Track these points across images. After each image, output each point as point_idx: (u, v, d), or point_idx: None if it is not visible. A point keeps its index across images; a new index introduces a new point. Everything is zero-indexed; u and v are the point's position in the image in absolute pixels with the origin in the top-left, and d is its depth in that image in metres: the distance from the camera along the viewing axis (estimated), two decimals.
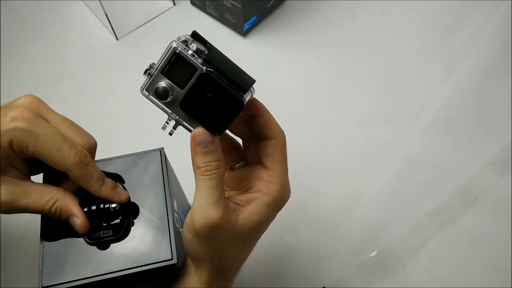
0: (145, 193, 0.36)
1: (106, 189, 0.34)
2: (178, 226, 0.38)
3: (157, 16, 0.68)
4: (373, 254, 0.49)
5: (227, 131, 0.33)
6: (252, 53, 0.64)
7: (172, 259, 0.33)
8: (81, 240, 0.34)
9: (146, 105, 0.60)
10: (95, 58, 0.64)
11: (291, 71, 0.63)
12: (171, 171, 0.40)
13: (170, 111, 0.30)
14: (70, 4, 0.69)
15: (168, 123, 0.31)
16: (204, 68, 0.28)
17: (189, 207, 0.51)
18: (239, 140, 0.37)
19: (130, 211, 0.35)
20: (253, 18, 0.64)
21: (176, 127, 0.31)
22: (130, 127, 0.59)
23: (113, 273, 0.33)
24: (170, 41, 0.29)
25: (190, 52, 0.28)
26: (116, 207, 0.34)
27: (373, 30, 0.66)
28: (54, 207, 0.33)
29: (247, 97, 0.30)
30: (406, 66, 0.62)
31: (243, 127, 0.35)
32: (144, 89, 0.30)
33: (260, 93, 0.62)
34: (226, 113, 0.29)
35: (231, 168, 0.36)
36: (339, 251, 0.49)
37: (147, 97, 0.30)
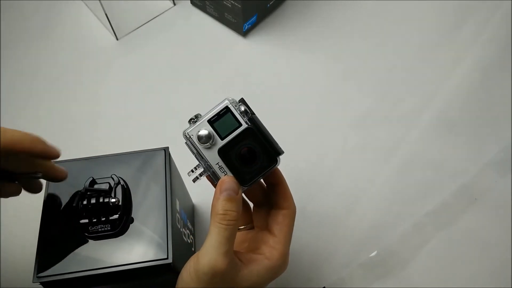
0: (147, 191, 0.37)
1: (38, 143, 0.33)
2: (178, 226, 0.38)
3: (157, 16, 0.68)
4: (373, 254, 0.49)
5: (242, 194, 0.36)
6: (252, 53, 0.64)
7: (167, 258, 0.33)
8: (79, 233, 0.34)
9: (147, 106, 0.60)
10: (95, 58, 0.64)
11: (291, 71, 0.63)
12: (175, 171, 0.40)
13: (205, 156, 0.32)
14: (70, 4, 0.69)
15: (195, 170, 0.33)
16: (249, 124, 0.32)
17: (192, 207, 0.51)
18: (251, 205, 0.39)
19: (130, 208, 0.36)
20: (253, 18, 0.64)
21: (202, 174, 0.33)
22: (132, 127, 0.59)
23: (108, 268, 0.33)
24: (224, 98, 0.33)
25: (238, 110, 0.32)
26: (115, 202, 0.34)
27: (373, 30, 0.66)
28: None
29: (278, 161, 0.32)
30: (406, 66, 0.62)
31: (259, 193, 0.37)
32: (187, 132, 0.33)
33: (260, 92, 0.62)
34: (258, 168, 0.32)
35: None
36: (339, 251, 0.49)
37: (188, 138, 0.33)
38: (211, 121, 0.32)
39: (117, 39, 0.66)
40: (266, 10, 0.66)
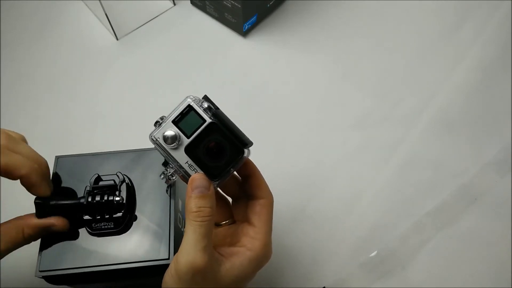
0: (150, 190, 0.37)
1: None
2: (180, 226, 0.38)
3: (157, 16, 0.68)
4: (373, 254, 0.49)
5: (219, 189, 0.36)
6: (252, 53, 0.64)
7: (169, 258, 0.34)
8: (82, 229, 0.35)
9: (148, 106, 0.60)
10: (95, 58, 0.64)
11: (291, 71, 0.63)
12: None
13: (173, 156, 0.33)
14: (70, 4, 0.69)
15: (166, 171, 0.34)
16: (212, 119, 0.32)
17: None
18: (230, 200, 0.39)
19: (133, 206, 0.36)
20: (253, 18, 0.64)
21: (174, 175, 0.33)
22: (132, 127, 0.59)
23: (109, 265, 0.33)
24: (186, 96, 0.33)
25: (201, 107, 0.32)
26: (120, 200, 0.34)
27: (373, 30, 0.66)
28: (27, 235, 0.33)
29: (246, 152, 0.33)
30: (406, 66, 0.62)
31: (235, 186, 0.37)
32: (153, 135, 0.33)
33: (260, 93, 0.62)
34: (226, 161, 0.32)
35: (217, 225, 0.38)
36: (339, 251, 0.49)
37: (155, 141, 0.33)
38: (175, 121, 0.32)
39: (117, 39, 0.66)
40: (266, 10, 0.66)
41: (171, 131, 0.32)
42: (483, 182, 0.53)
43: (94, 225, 0.34)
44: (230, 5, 0.61)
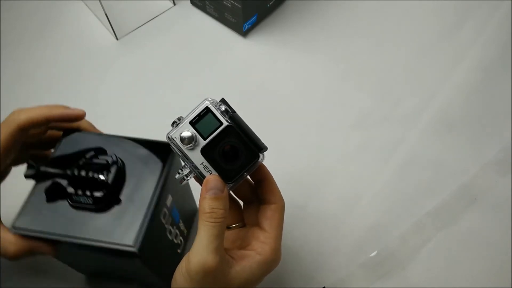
0: (143, 179, 0.37)
1: (57, 109, 0.38)
2: (163, 221, 0.38)
3: (157, 16, 0.68)
4: (373, 254, 0.49)
5: (231, 192, 0.36)
6: (252, 53, 0.64)
7: (133, 246, 0.33)
8: (64, 199, 0.36)
9: (148, 106, 0.60)
10: (95, 58, 0.64)
11: (291, 71, 0.63)
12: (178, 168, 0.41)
13: (189, 157, 0.33)
14: (70, 4, 0.69)
15: (181, 171, 0.34)
16: (229, 122, 0.33)
17: (192, 211, 0.51)
18: (241, 203, 0.39)
19: (119, 189, 0.36)
20: (253, 18, 0.64)
21: (189, 175, 0.34)
22: (132, 127, 0.59)
23: (77, 239, 0.34)
24: (204, 98, 0.33)
25: (219, 110, 0.33)
26: (104, 180, 0.35)
27: (373, 30, 0.66)
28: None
29: (261, 156, 0.33)
30: (406, 66, 0.62)
31: (247, 190, 0.38)
32: (170, 135, 0.33)
33: (260, 93, 0.62)
34: (241, 164, 0.33)
35: (228, 227, 0.38)
36: (339, 251, 0.49)
37: (172, 140, 0.33)
38: (192, 123, 0.33)
39: (117, 39, 0.66)
40: (266, 10, 0.66)
41: (188, 132, 0.32)
42: (483, 182, 0.53)
43: (74, 197, 0.35)
44: (230, 5, 0.61)
